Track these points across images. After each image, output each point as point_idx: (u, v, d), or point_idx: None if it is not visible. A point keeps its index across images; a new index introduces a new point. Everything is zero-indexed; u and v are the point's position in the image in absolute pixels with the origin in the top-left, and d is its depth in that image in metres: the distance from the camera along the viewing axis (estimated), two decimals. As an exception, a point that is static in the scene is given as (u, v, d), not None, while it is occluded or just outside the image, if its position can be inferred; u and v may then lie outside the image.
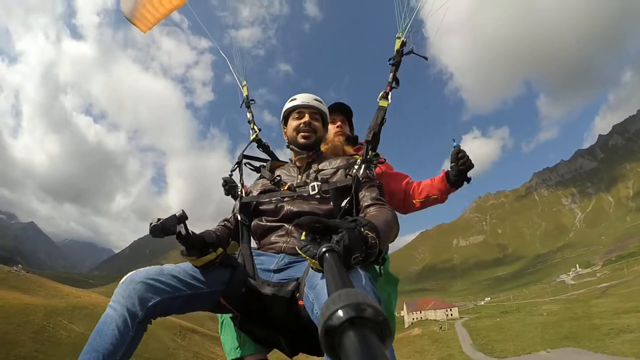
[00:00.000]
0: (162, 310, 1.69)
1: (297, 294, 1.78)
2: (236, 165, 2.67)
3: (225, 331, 2.45)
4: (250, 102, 3.23)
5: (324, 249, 1.16)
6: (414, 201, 3.06)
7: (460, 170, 2.78)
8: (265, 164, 2.77)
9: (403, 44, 2.82)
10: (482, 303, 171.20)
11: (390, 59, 2.81)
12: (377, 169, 2.72)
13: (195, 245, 1.77)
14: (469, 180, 2.85)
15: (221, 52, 3.48)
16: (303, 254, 1.31)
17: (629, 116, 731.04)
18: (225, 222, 2.40)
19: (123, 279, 1.71)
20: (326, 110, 2.61)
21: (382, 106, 2.61)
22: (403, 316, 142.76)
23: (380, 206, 2.04)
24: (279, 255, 2.06)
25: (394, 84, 2.73)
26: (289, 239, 2.11)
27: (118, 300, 1.63)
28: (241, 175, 2.63)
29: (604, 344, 30.63)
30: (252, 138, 2.95)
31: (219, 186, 2.83)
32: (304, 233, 1.37)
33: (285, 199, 2.24)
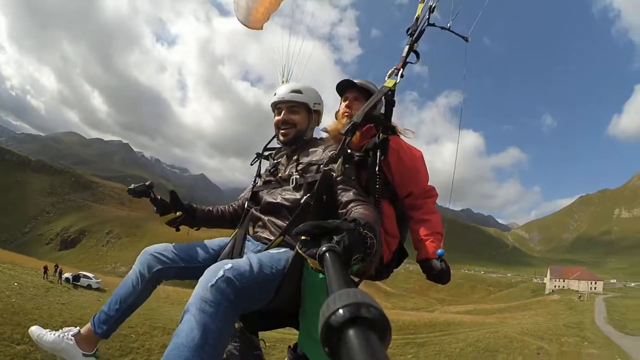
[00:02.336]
0: (163, 276, 2.32)
1: None
2: (256, 159, 2.94)
3: None
4: None
5: (324, 249, 1.16)
6: (410, 217, 2.59)
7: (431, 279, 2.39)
8: (274, 150, 2.92)
9: (431, 9, 2.53)
10: (633, 285, 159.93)
11: (408, 29, 2.55)
12: (391, 156, 2.48)
13: (159, 206, 2.52)
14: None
15: (274, 52, 3.39)
16: (303, 254, 1.31)
17: None
18: (232, 204, 2.93)
19: (142, 252, 2.38)
20: (310, 99, 2.59)
21: (384, 86, 2.44)
22: (545, 282, 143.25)
23: (363, 204, 2.06)
24: (257, 242, 2.38)
25: (411, 59, 2.49)
26: (264, 230, 2.43)
27: (136, 265, 2.32)
28: (259, 166, 2.89)
29: None
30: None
31: None
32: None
33: (265, 190, 2.60)
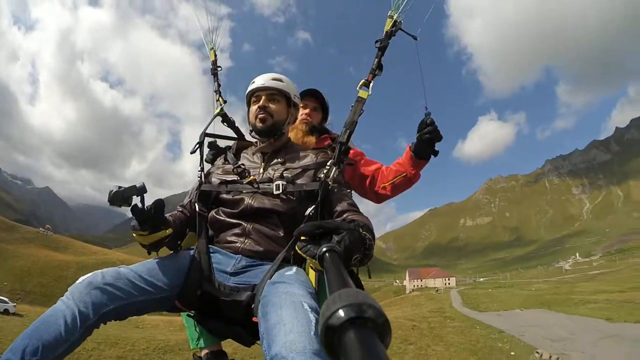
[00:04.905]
0: (115, 316, 1.63)
1: (252, 306, 1.68)
2: (197, 146, 2.35)
3: (186, 320, 2.33)
4: (217, 69, 2.86)
5: (324, 249, 1.12)
6: (382, 186, 2.77)
7: (425, 139, 2.44)
8: (231, 144, 2.51)
9: (395, 24, 2.46)
10: (482, 279, 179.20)
11: (377, 41, 2.45)
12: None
13: (148, 220, 1.72)
14: (436, 153, 2.50)
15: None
16: (303, 254, 1.28)
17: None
18: (183, 209, 2.25)
19: (80, 280, 1.62)
20: (290, 89, 2.32)
21: (361, 97, 2.35)
22: (405, 285, 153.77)
23: (357, 213, 1.96)
24: (236, 256, 1.93)
25: (377, 71, 2.42)
26: (246, 240, 1.97)
27: (71, 301, 1.53)
28: (202, 157, 2.34)
29: (570, 309, 36.39)
30: (216, 112, 2.57)
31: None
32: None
33: (246, 191, 2.09)
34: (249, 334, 1.82)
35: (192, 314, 1.99)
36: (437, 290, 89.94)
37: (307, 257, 1.28)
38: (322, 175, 2.04)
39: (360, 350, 0.50)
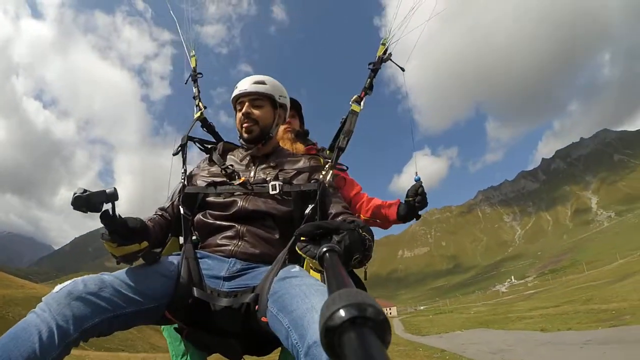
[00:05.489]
0: (99, 331, 1.38)
1: (257, 307, 1.54)
2: (179, 148, 2.27)
3: (170, 334, 2.24)
4: (198, 75, 2.89)
5: (324, 249, 1.09)
6: (357, 215, 2.78)
7: (415, 207, 2.54)
8: (217, 145, 2.39)
9: (386, 51, 2.69)
10: (422, 308, 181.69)
11: (370, 64, 2.67)
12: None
13: (118, 230, 1.46)
14: (418, 217, 2.61)
15: (171, 12, 3.14)
16: (303, 254, 1.26)
17: (571, 143, 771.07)
18: (163, 212, 2.05)
19: (57, 289, 1.37)
20: (274, 90, 2.20)
21: (355, 111, 2.50)
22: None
23: (353, 215, 1.94)
24: (229, 260, 1.76)
25: (368, 90, 2.62)
26: (240, 242, 1.82)
27: (49, 311, 1.28)
28: (184, 159, 2.24)
29: (507, 326, 36.96)
30: (196, 116, 2.59)
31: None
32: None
33: (237, 193, 1.97)
34: (242, 345, 1.70)
35: (178, 327, 1.80)
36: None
37: (308, 257, 1.27)
38: (320, 177, 2.09)
39: (359, 350, 0.48)
